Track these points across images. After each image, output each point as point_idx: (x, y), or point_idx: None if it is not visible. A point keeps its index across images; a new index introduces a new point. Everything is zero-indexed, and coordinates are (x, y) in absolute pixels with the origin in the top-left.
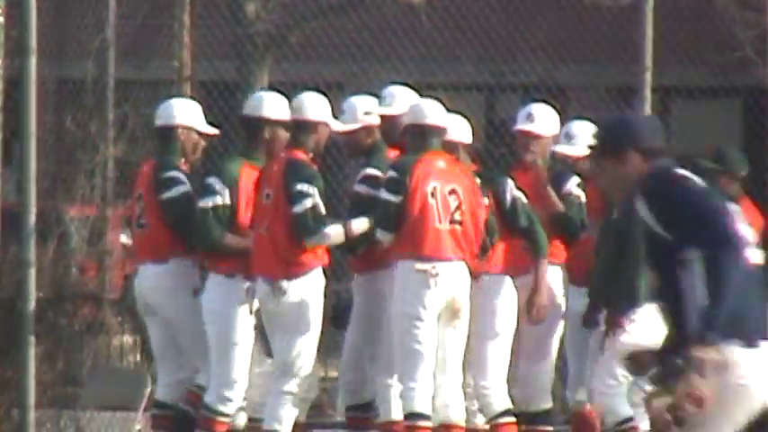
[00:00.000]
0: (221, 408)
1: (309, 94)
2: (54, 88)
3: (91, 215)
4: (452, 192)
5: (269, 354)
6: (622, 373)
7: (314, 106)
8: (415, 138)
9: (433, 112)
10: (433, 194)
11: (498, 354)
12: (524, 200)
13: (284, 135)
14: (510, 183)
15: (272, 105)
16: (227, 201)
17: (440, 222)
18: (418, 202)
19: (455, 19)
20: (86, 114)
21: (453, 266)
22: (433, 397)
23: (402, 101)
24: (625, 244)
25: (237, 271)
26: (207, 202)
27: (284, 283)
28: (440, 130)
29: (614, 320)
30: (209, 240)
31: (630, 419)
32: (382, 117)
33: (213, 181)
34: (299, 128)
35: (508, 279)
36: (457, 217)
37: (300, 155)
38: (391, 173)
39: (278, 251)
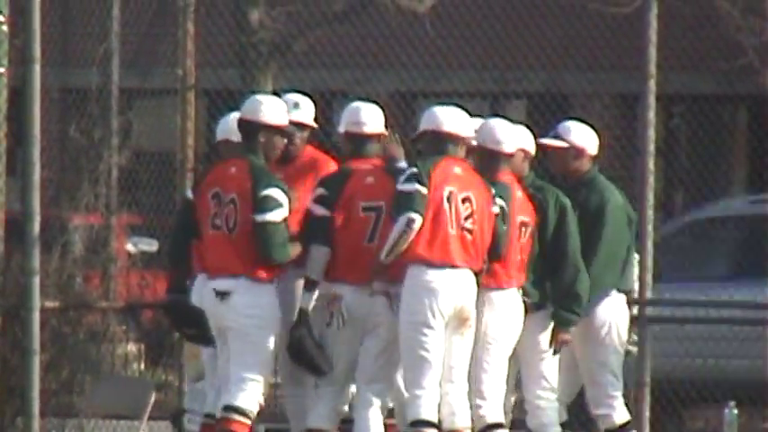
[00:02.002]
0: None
1: (363, 107)
2: (58, 97)
3: (95, 223)
4: (467, 199)
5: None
6: (553, 387)
7: (368, 119)
8: (431, 144)
9: (451, 120)
10: (448, 199)
11: (495, 366)
12: (503, 208)
13: (280, 141)
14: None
15: (269, 110)
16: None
17: (451, 228)
18: (433, 206)
19: (459, 27)
20: (90, 123)
21: (461, 273)
22: (439, 405)
23: (310, 109)
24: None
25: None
26: (276, 216)
27: (392, 288)
28: (457, 139)
29: (559, 336)
30: (285, 256)
31: None
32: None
33: (276, 193)
34: (356, 140)
35: (512, 291)
36: (468, 225)
37: (378, 161)
38: (413, 169)
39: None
